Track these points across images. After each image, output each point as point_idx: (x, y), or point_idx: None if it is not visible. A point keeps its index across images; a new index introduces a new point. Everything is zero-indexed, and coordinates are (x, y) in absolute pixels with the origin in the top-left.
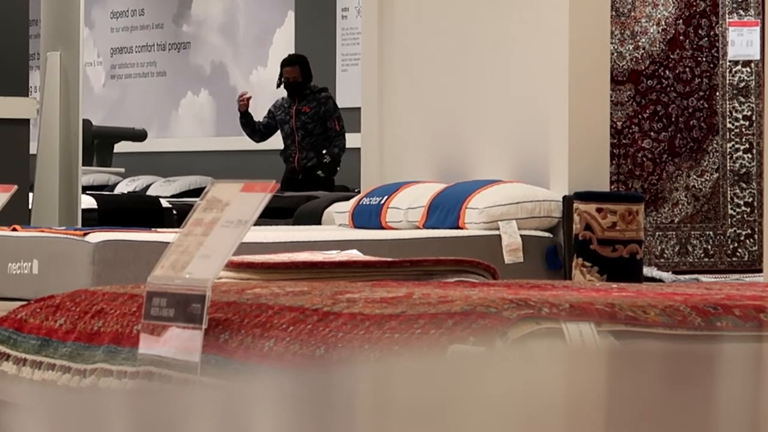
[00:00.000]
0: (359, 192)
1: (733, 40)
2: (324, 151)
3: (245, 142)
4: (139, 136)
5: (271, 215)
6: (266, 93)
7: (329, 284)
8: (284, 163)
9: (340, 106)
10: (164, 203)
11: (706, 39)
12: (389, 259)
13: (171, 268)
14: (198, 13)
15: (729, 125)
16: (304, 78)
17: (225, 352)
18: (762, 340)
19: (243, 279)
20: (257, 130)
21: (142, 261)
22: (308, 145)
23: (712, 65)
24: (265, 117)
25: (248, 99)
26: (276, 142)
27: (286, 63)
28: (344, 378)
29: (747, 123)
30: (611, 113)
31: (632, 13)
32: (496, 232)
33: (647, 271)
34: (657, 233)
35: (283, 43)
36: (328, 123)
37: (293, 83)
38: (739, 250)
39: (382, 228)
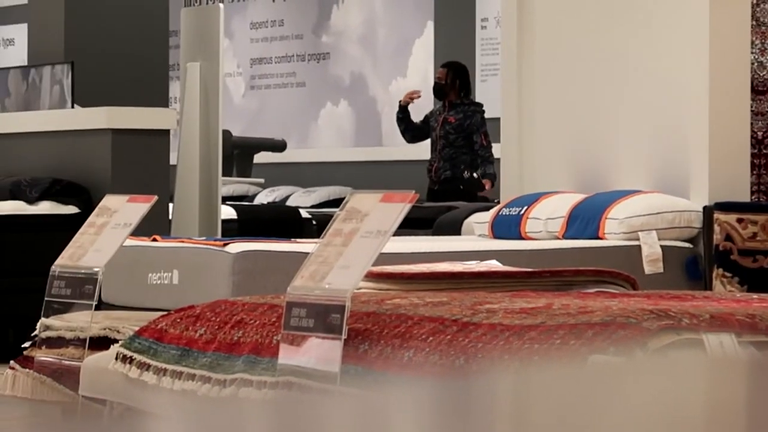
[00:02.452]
0: (499, 202)
1: None
2: (476, 173)
3: (385, 153)
4: (279, 146)
5: (410, 226)
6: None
7: (469, 295)
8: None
9: None
10: (304, 213)
11: None
12: (529, 270)
13: (310, 279)
14: (337, 23)
15: None
16: (451, 83)
17: (364, 362)
18: None
19: (382, 289)
20: (410, 129)
21: (281, 271)
22: (447, 156)
23: None
24: (421, 120)
25: (415, 98)
26: (416, 152)
27: (441, 65)
28: (484, 389)
29: None
30: (752, 123)
31: None
32: (636, 243)
33: None
34: None
35: (423, 53)
36: (474, 137)
37: (437, 84)
38: None
39: (522, 238)
